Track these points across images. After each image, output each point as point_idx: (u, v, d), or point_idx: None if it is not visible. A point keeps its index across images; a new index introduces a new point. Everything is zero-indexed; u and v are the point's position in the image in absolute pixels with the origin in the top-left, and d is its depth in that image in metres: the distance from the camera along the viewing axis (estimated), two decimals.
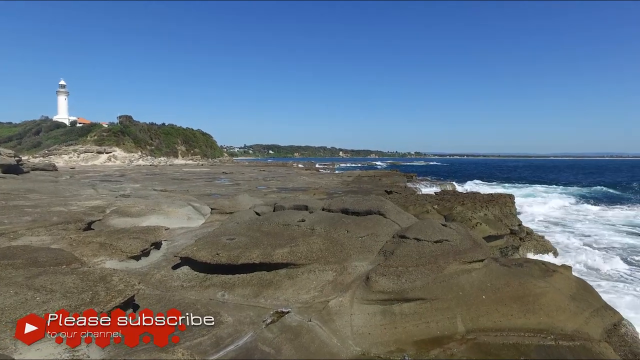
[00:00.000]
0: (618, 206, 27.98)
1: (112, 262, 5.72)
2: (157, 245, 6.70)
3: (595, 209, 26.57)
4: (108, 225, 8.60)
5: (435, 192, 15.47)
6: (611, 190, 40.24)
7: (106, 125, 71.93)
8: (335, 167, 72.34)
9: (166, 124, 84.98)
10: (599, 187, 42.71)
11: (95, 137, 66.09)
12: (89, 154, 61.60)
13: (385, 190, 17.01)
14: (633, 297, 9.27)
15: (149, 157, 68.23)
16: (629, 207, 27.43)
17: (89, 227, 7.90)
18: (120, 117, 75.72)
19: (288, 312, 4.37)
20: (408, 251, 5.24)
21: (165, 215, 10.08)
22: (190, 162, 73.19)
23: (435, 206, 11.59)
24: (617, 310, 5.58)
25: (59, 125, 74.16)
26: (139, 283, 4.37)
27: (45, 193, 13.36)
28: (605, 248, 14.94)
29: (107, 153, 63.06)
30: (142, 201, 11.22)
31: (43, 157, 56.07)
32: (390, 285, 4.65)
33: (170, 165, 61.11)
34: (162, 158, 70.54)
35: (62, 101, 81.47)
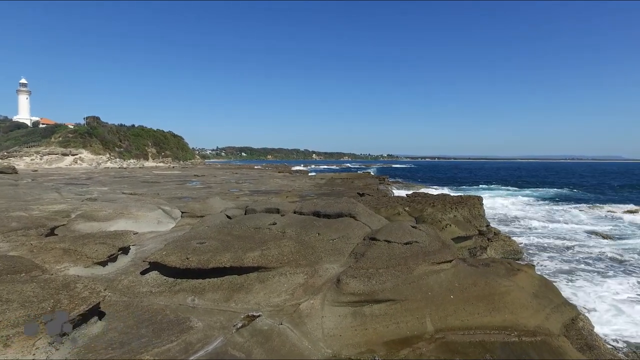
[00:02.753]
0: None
1: (77, 268, 5.52)
2: (125, 251, 6.52)
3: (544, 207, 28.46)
4: (73, 230, 8.31)
5: (406, 195, 15.73)
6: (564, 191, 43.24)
7: (72, 127, 69.05)
8: (309, 169, 72.48)
9: (136, 126, 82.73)
10: (551, 189, 45.64)
11: (60, 139, 63.31)
12: (53, 156, 58.95)
13: (358, 193, 17.16)
14: None
15: (117, 159, 66.13)
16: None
17: (52, 232, 7.59)
18: (87, 118, 73.04)
19: (259, 316, 4.35)
20: (378, 253, 5.32)
21: (134, 220, 9.83)
22: (161, 164, 71.52)
23: (407, 208, 11.77)
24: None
25: (20, 125, 70.61)
26: (105, 290, 4.26)
27: (3, 197, 12.75)
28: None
29: (72, 155, 60.55)
30: (110, 205, 10.89)
31: (1, 159, 53.32)
32: (360, 287, 4.71)
33: (140, 167, 59.52)
34: (132, 160, 68.55)
35: (23, 100, 77.84)
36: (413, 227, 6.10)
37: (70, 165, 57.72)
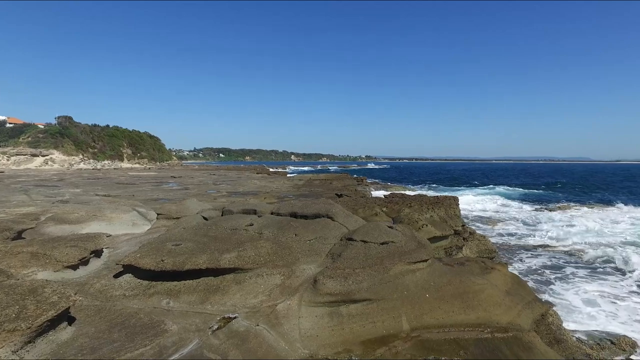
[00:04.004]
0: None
1: (46, 273, 5.33)
2: (97, 253, 6.35)
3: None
4: (42, 233, 8.02)
5: (384, 195, 15.87)
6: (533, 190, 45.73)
7: (42, 126, 66.67)
8: (287, 170, 72.40)
9: (111, 126, 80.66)
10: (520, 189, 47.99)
11: (29, 139, 61.07)
12: (22, 157, 56.77)
13: (336, 194, 17.23)
14: None
15: (91, 160, 64.33)
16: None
17: (19, 235, 7.31)
18: (58, 117, 70.70)
19: (235, 318, 4.32)
20: (355, 253, 5.36)
21: (107, 222, 9.58)
22: (137, 165, 70.00)
23: (384, 209, 11.89)
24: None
25: None
26: (76, 294, 4.14)
27: None
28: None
29: (43, 156, 58.47)
30: (83, 207, 10.57)
31: None
32: (337, 287, 4.73)
33: (115, 169, 57.98)
34: (106, 161, 66.82)
35: None
36: (389, 227, 6.18)
37: (40, 166, 55.74)
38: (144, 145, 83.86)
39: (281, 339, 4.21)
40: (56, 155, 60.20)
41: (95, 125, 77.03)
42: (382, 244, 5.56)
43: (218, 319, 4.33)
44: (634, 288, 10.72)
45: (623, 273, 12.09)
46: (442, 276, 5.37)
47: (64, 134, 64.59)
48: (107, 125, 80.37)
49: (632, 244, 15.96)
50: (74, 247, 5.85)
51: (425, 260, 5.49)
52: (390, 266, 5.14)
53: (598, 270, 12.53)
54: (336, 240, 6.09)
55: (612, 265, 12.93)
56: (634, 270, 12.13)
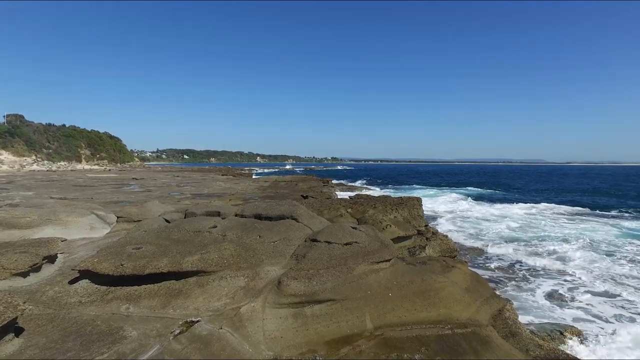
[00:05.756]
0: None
1: None
2: (51, 259, 6.03)
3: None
4: None
5: (349, 197, 16.05)
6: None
7: None
8: (253, 172, 71.77)
9: (67, 126, 76.93)
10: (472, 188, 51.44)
11: None
12: None
13: (302, 195, 17.26)
14: None
15: (45, 161, 61.08)
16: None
17: None
18: (7, 115, 66.67)
19: (198, 321, 4.23)
20: (319, 254, 5.39)
21: (63, 226, 9.15)
22: (96, 167, 67.16)
23: (349, 210, 12.04)
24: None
25: None
26: (25, 302, 3.91)
27: None
28: None
29: None
30: (35, 211, 10.02)
31: None
32: (301, 288, 4.75)
33: (72, 170, 55.34)
34: (63, 163, 63.73)
35: None
36: (353, 228, 6.26)
37: None
38: (103, 146, 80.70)
39: (245, 341, 4.17)
40: (5, 156, 56.75)
41: (50, 125, 73.30)
42: (346, 244, 5.63)
43: (180, 323, 4.23)
44: None
45: None
46: (405, 275, 5.50)
47: (14, 133, 60.99)
48: (64, 125, 76.71)
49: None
50: (24, 253, 5.52)
51: (388, 260, 5.60)
52: (354, 266, 5.21)
53: None
54: (300, 242, 6.10)
55: None
56: None
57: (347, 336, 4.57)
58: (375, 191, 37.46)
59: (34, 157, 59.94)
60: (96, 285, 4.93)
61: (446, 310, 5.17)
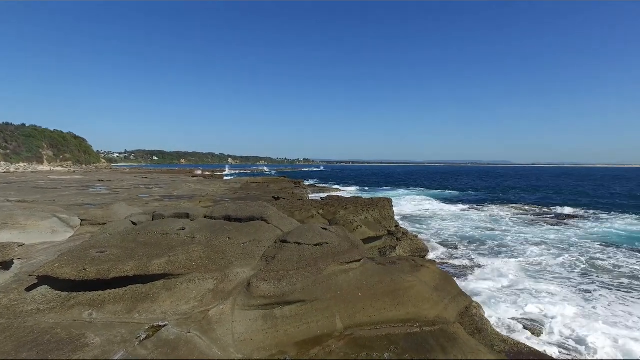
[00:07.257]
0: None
1: None
2: (6, 265, 5.73)
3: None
4: None
5: (321, 198, 16.12)
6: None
7: None
8: (224, 173, 70.81)
9: (27, 125, 73.40)
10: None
11: None
12: None
13: (273, 197, 17.19)
14: None
15: (2, 162, 58.07)
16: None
17: None
18: None
19: (165, 326, 4.13)
20: (289, 255, 5.38)
21: (21, 230, 8.71)
22: (60, 168, 64.39)
23: (320, 211, 12.09)
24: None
25: None
26: None
27: None
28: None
29: None
30: None
31: None
32: (271, 289, 4.72)
33: (32, 172, 52.88)
34: (22, 164, 60.83)
35: None
36: (323, 228, 6.29)
37: None
38: (67, 146, 77.59)
39: (214, 344, 4.11)
40: None
41: (7, 124, 69.82)
42: (316, 245, 5.64)
43: (146, 328, 4.12)
44: None
45: None
46: (374, 275, 5.57)
47: None
48: (23, 124, 73.18)
49: None
50: None
51: (358, 260, 5.66)
52: (324, 267, 5.23)
53: None
54: (270, 243, 6.07)
55: None
56: None
57: (317, 337, 4.58)
58: (347, 192, 37.77)
59: None
60: (56, 292, 4.73)
61: (415, 308, 5.26)
